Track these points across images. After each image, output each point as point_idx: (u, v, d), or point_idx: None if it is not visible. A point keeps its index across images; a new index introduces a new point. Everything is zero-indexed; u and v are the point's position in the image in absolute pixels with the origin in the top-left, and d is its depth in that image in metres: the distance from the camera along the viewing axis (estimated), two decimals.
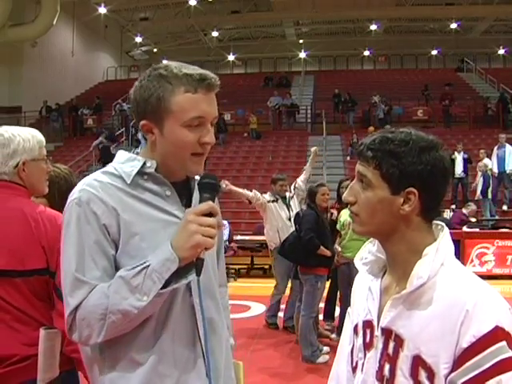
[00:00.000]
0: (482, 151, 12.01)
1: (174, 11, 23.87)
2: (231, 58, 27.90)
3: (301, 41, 27.39)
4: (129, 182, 1.26)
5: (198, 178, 1.39)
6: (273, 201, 6.07)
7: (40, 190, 1.89)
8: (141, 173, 1.28)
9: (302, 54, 27.40)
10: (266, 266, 9.51)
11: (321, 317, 5.71)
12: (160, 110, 1.24)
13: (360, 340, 1.15)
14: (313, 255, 4.81)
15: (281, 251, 5.43)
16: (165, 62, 1.30)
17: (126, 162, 1.30)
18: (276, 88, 20.60)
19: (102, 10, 21.99)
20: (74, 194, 1.26)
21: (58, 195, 2.00)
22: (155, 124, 1.26)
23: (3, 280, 1.69)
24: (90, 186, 1.25)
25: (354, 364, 1.17)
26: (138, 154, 1.35)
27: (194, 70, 1.26)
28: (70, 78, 22.15)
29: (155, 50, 28.00)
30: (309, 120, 18.54)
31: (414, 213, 1.07)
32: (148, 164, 1.27)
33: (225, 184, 6.06)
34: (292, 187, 6.31)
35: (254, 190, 6.28)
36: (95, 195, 1.23)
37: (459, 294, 1.00)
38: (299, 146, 16.58)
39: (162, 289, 1.17)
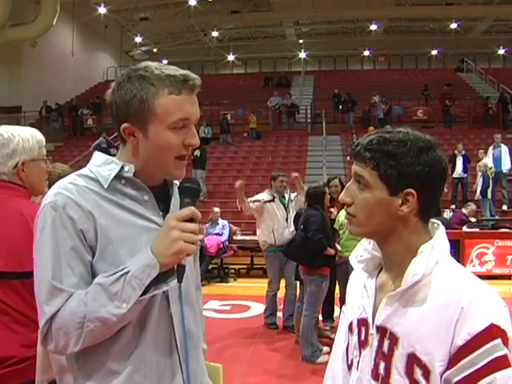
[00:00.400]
0: (480, 151, 12.00)
1: (174, 11, 23.85)
2: (231, 58, 27.90)
3: (301, 41, 27.38)
4: (106, 187, 1.22)
5: (177, 182, 1.36)
6: (270, 201, 5.95)
7: (40, 189, 1.88)
8: (118, 177, 1.24)
9: (302, 54, 27.39)
10: (265, 267, 9.52)
11: (320, 317, 5.71)
12: (143, 112, 1.20)
13: (355, 338, 1.15)
14: (318, 256, 4.81)
15: (286, 252, 5.35)
16: (143, 63, 1.26)
17: (102, 165, 1.26)
18: (276, 88, 20.60)
19: (102, 10, 21.99)
20: (48, 198, 1.21)
21: None
22: (138, 127, 1.22)
23: (1, 282, 1.68)
24: (66, 189, 1.20)
25: (350, 362, 1.17)
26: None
27: (176, 70, 1.23)
28: (69, 78, 22.15)
29: (155, 49, 27.97)
30: (309, 120, 18.53)
31: (412, 213, 1.07)
32: (126, 168, 1.23)
33: (239, 183, 5.84)
34: (293, 195, 6.14)
35: (250, 204, 5.99)
36: (71, 199, 1.18)
37: (454, 291, 1.00)
38: (299, 146, 16.58)
39: (141, 295, 1.14)
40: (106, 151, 12.70)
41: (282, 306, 6.05)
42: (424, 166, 1.04)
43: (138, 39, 26.40)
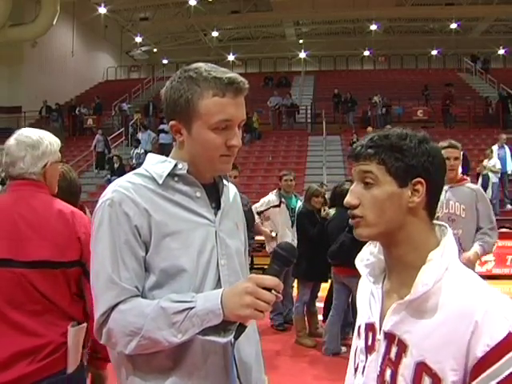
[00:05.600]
0: (487, 151, 11.91)
1: (173, 11, 23.86)
2: (231, 58, 27.89)
3: (301, 41, 27.37)
4: (160, 183, 1.28)
5: (226, 183, 1.41)
6: (275, 206, 5.77)
7: (54, 189, 2.00)
8: (172, 174, 1.29)
9: (302, 54, 27.38)
10: (266, 266, 9.50)
11: (320, 317, 5.70)
12: (188, 112, 1.26)
13: (362, 343, 1.13)
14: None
15: (334, 256, 4.79)
16: (195, 64, 1.31)
17: (157, 163, 1.32)
18: (276, 88, 20.59)
19: (102, 10, 21.98)
20: (106, 195, 1.27)
21: (60, 192, 2.11)
22: (184, 125, 1.28)
23: (45, 271, 1.77)
24: (123, 187, 1.26)
25: (356, 366, 1.15)
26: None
27: (224, 73, 1.27)
28: (69, 78, 22.14)
29: (155, 49, 27.99)
30: (309, 120, 18.53)
31: (421, 206, 1.06)
32: (179, 166, 1.29)
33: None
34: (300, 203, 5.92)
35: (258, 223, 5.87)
36: (127, 196, 1.24)
37: (467, 302, 0.98)
38: (299, 146, 16.57)
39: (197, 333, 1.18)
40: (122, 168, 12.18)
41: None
42: (428, 156, 1.05)
43: (138, 39, 26.39)
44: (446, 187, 3.46)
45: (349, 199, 1.10)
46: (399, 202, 1.05)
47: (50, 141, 1.92)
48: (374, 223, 1.07)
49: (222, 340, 1.20)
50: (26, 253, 1.76)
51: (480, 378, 0.93)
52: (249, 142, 16.52)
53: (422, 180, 1.05)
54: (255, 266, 10.02)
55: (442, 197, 3.43)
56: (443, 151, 3.47)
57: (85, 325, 1.84)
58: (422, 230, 1.07)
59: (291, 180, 5.93)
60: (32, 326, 1.74)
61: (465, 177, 3.79)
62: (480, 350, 0.93)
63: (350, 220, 1.12)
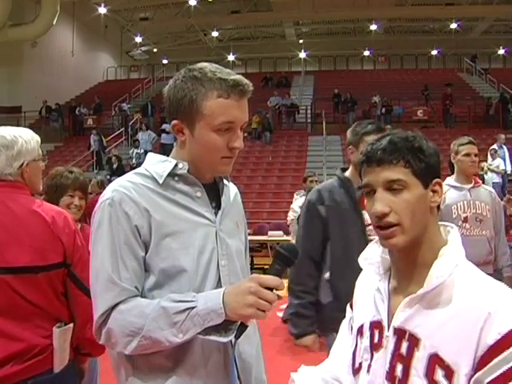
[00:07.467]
0: (491, 151, 11.90)
1: (173, 11, 23.86)
2: (231, 58, 27.89)
3: (301, 41, 27.38)
4: (161, 182, 1.27)
5: (226, 182, 1.40)
6: None
7: (37, 187, 1.94)
8: (172, 174, 1.28)
9: (302, 54, 27.38)
10: (266, 266, 9.50)
11: None
12: (192, 112, 1.25)
13: (366, 341, 1.13)
14: None
15: None
16: (200, 64, 1.31)
17: (157, 163, 1.31)
18: (276, 88, 20.60)
19: (102, 10, 21.99)
20: (106, 195, 1.26)
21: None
22: (186, 125, 1.27)
23: (25, 277, 1.71)
24: (123, 186, 1.25)
25: (357, 365, 1.15)
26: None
27: (229, 74, 1.26)
28: (69, 78, 22.14)
29: (155, 49, 27.99)
30: (309, 120, 18.52)
31: (436, 205, 1.09)
32: (180, 166, 1.29)
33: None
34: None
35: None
36: (127, 196, 1.23)
37: (480, 294, 1.00)
38: (299, 146, 16.57)
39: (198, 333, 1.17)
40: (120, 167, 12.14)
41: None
42: (437, 156, 1.08)
43: (138, 39, 26.39)
44: (467, 187, 3.45)
45: (380, 208, 1.05)
46: (425, 204, 1.07)
47: (25, 139, 1.84)
48: (409, 229, 1.05)
49: (223, 340, 1.19)
50: (6, 259, 1.69)
51: (489, 366, 0.94)
52: (271, 142, 16.50)
53: (440, 180, 1.08)
54: (255, 266, 10.03)
55: (468, 197, 3.43)
56: (463, 147, 3.47)
57: (71, 325, 1.80)
58: (437, 229, 1.10)
59: (316, 181, 6.05)
60: (17, 331, 1.69)
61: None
62: (491, 338, 0.94)
63: (379, 232, 1.06)
